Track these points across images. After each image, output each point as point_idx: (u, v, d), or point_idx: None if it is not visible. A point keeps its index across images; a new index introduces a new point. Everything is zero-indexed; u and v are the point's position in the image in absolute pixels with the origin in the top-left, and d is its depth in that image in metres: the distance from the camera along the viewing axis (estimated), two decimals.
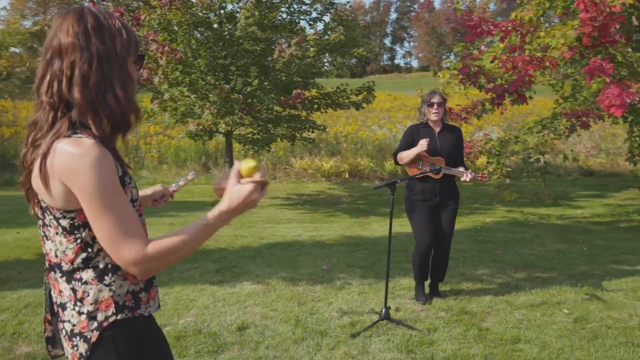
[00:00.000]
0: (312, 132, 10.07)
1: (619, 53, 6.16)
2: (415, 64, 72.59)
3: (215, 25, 9.20)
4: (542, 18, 7.36)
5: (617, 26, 5.77)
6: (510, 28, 6.42)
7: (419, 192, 4.25)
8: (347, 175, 14.15)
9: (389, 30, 73.14)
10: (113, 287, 1.44)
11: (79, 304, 1.44)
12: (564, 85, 8.01)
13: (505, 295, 4.53)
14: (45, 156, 1.34)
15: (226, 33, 8.71)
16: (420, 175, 4.12)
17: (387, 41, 73.94)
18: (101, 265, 1.43)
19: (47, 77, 1.39)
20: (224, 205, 1.37)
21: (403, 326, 3.80)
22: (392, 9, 74.53)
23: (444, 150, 4.21)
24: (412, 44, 71.24)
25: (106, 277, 1.43)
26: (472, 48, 8.37)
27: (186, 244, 1.35)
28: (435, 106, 4.19)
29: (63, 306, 1.48)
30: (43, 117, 1.41)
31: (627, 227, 7.66)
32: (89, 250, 1.42)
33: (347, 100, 9.59)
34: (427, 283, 4.51)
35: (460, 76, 6.62)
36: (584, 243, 6.59)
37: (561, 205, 9.64)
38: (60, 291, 1.49)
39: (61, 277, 1.47)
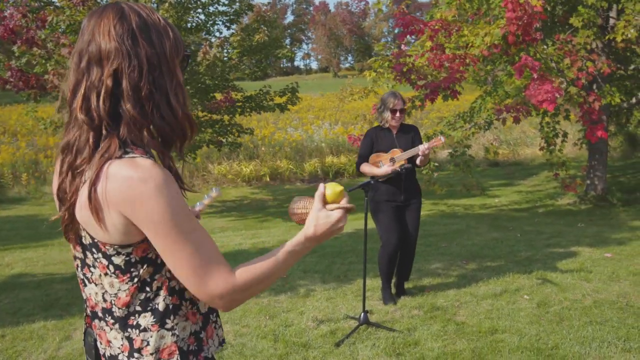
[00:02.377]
0: (239, 136, 9.78)
1: (537, 50, 6.57)
2: (315, 65, 73.78)
3: None
4: (461, 17, 7.68)
5: (538, 25, 6.14)
6: (438, 27, 6.62)
7: (383, 193, 4.21)
8: (267, 179, 13.97)
9: (286, 32, 73.62)
10: (176, 331, 1.22)
11: (136, 354, 1.21)
12: (485, 83, 8.45)
13: (467, 287, 4.64)
14: (94, 183, 1.09)
15: None
16: (391, 175, 4.07)
17: (286, 43, 74.32)
18: (161, 307, 1.20)
19: (82, 90, 1.13)
20: (309, 231, 1.22)
21: (383, 329, 3.74)
22: (289, 12, 75.21)
23: (402, 149, 4.20)
24: (310, 45, 72.38)
25: (168, 320, 1.21)
26: (393, 47, 8.57)
27: (274, 272, 1.19)
28: (397, 113, 4.16)
29: (114, 359, 1.23)
30: (81, 137, 1.15)
31: (545, 212, 8.22)
32: (147, 289, 1.19)
33: (272, 103, 9.41)
34: (392, 283, 4.49)
35: (395, 73, 6.72)
36: (514, 230, 6.96)
37: (479, 196, 10.16)
38: (109, 341, 1.23)
39: (113, 324, 1.22)
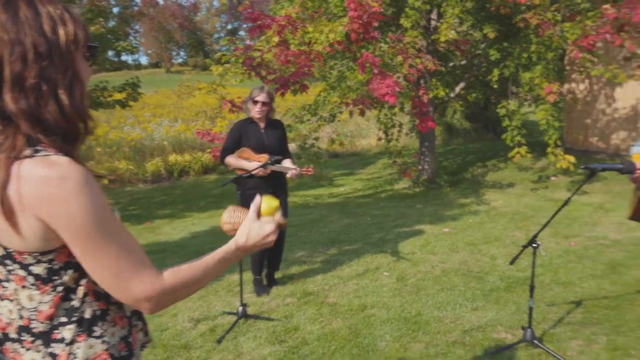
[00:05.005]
0: None
1: (375, 48, 7.11)
2: (144, 60, 69.93)
3: None
4: (304, 15, 7.97)
5: (377, 24, 6.65)
6: (285, 23, 6.80)
7: (252, 187, 4.23)
8: (106, 182, 12.98)
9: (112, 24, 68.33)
10: (106, 338, 1.16)
11: None
12: (331, 76, 8.87)
13: (333, 271, 4.89)
14: (4, 186, 0.98)
15: None
16: (257, 172, 4.08)
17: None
18: (87, 315, 1.14)
19: None
20: (241, 240, 1.26)
21: (262, 319, 3.79)
22: (112, 2, 69.81)
23: (271, 146, 4.25)
24: (138, 39, 68.30)
25: (96, 328, 1.15)
26: (238, 42, 8.57)
27: (202, 278, 1.19)
28: (259, 105, 4.20)
29: None
30: None
31: (387, 197, 8.95)
32: (72, 297, 1.12)
33: (111, 99, 8.79)
34: (263, 274, 4.55)
35: (244, 68, 6.74)
36: (364, 215, 7.48)
37: (325, 186, 10.68)
38: None
39: (32, 342, 1.11)
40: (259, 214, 1.30)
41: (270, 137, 4.28)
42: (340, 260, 5.21)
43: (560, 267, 4.75)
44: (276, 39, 6.98)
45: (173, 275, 1.12)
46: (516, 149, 7.22)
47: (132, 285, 1.06)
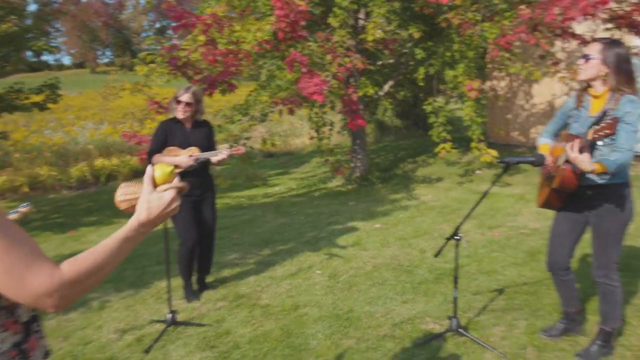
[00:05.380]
0: None
1: (303, 47, 7.12)
2: (67, 60, 66.55)
3: None
4: (231, 13, 7.85)
5: (304, 23, 6.65)
6: (210, 21, 6.67)
7: None
8: (26, 189, 12.25)
9: (28, 22, 64.48)
10: None
11: None
12: (261, 75, 8.79)
13: (265, 272, 4.85)
14: None
15: None
16: (190, 168, 3.96)
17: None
18: None
19: None
20: (142, 215, 1.20)
21: (192, 325, 3.69)
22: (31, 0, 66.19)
23: (197, 146, 4.15)
24: (60, 39, 64.87)
25: None
26: (164, 41, 8.33)
27: (107, 262, 1.12)
28: (182, 105, 4.09)
29: None
30: None
31: (321, 195, 9.00)
32: None
33: (27, 102, 8.29)
34: (193, 279, 4.44)
35: (169, 68, 6.56)
36: (298, 214, 7.48)
37: (260, 186, 10.60)
38: None
39: None
40: (155, 185, 1.24)
41: (197, 136, 4.18)
42: (273, 261, 5.18)
43: (484, 256, 4.94)
44: (202, 38, 6.83)
45: (72, 265, 1.05)
46: (442, 145, 7.46)
47: (27, 281, 0.99)
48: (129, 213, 1.26)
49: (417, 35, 7.73)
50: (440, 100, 8.48)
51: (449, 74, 7.35)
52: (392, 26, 9.92)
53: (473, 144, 7.37)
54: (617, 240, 2.87)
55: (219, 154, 4.00)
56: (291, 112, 7.03)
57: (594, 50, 2.77)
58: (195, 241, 4.18)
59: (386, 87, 9.49)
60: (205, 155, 4.01)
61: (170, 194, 1.22)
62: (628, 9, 6.44)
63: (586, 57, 2.78)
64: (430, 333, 3.43)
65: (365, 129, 17.18)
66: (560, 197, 2.96)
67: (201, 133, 4.20)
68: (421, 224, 6.31)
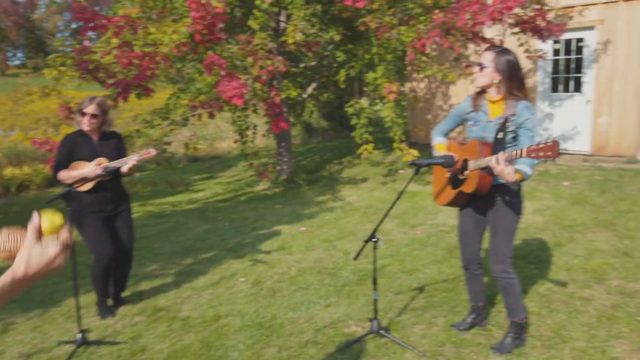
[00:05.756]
0: None
1: (222, 49, 6.98)
2: None
3: None
4: (146, 15, 7.57)
5: (222, 25, 6.51)
6: (122, 23, 6.39)
7: (88, 204, 3.88)
8: None
9: None
10: None
11: None
12: (181, 78, 8.53)
13: (187, 282, 4.69)
14: None
15: None
16: (100, 178, 3.74)
17: None
18: None
19: None
20: (19, 272, 1.07)
21: (105, 344, 3.50)
22: None
23: (106, 157, 3.93)
24: None
25: None
26: (75, 43, 7.90)
27: None
28: (87, 117, 3.85)
29: None
30: None
31: (247, 199, 8.87)
32: None
33: None
34: (109, 295, 4.21)
35: (80, 71, 6.22)
36: (222, 220, 7.32)
37: (184, 192, 10.32)
38: None
39: None
40: (40, 235, 1.13)
41: (105, 148, 3.95)
42: (195, 270, 5.02)
43: (406, 255, 5.05)
44: (115, 40, 6.53)
45: None
46: (364, 146, 7.57)
47: None
48: (9, 263, 1.13)
49: (337, 38, 7.80)
50: (363, 101, 8.59)
51: (369, 76, 7.47)
52: (315, 29, 9.97)
53: (395, 145, 7.53)
54: (512, 236, 3.04)
55: (129, 161, 3.81)
56: (211, 115, 6.87)
57: (487, 59, 2.91)
58: (110, 258, 3.96)
59: (309, 90, 9.52)
60: (114, 164, 3.81)
61: (54, 249, 1.09)
62: (531, 14, 6.82)
63: (480, 66, 2.91)
64: (353, 336, 3.44)
65: (292, 131, 17.20)
66: (468, 198, 3.07)
67: (110, 145, 3.98)
68: (346, 225, 6.37)
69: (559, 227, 5.60)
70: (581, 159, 9.02)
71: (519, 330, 3.15)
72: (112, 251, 3.94)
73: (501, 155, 2.65)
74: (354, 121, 7.84)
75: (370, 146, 7.55)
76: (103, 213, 3.93)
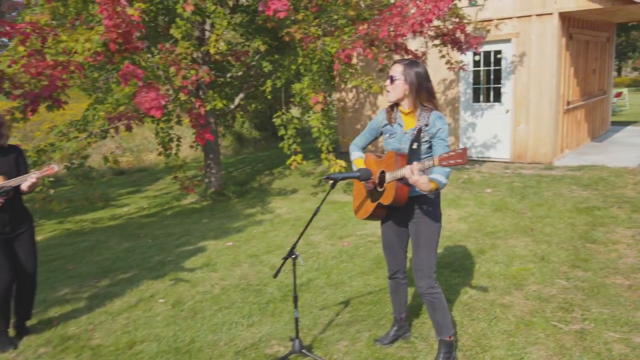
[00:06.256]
0: None
1: (141, 59, 6.69)
2: None
3: None
4: (59, 22, 7.16)
5: (138, 34, 6.24)
6: (29, 30, 5.99)
7: None
8: None
9: None
10: None
11: None
12: (95, 90, 8.11)
13: (101, 306, 4.40)
14: None
15: None
16: None
17: None
18: None
19: None
20: None
21: None
22: None
23: (4, 174, 3.61)
24: None
25: None
26: None
27: None
28: None
29: None
30: None
31: (173, 214, 8.55)
32: None
33: None
34: (10, 324, 3.86)
35: None
36: (146, 236, 6.99)
37: (107, 207, 9.82)
38: None
39: None
40: None
41: (2, 164, 3.62)
42: (111, 293, 4.72)
43: (333, 268, 4.98)
44: (21, 48, 6.10)
45: None
46: (293, 157, 7.48)
47: None
48: None
49: (262, 48, 7.70)
50: (292, 112, 8.51)
51: (296, 87, 7.42)
52: (242, 38, 9.82)
53: (323, 155, 7.50)
54: (434, 248, 3.02)
55: (28, 179, 3.51)
56: (128, 128, 6.53)
57: (397, 71, 2.91)
58: (9, 283, 3.63)
59: (237, 100, 9.34)
60: (12, 182, 3.50)
61: None
62: (451, 27, 7.02)
63: (391, 79, 2.91)
64: (275, 357, 3.31)
65: (224, 142, 16.89)
66: (387, 210, 3.04)
67: (7, 160, 3.66)
68: (274, 238, 6.24)
69: (481, 233, 5.74)
70: (503, 166, 9.38)
71: (449, 348, 3.10)
72: (10, 276, 3.61)
73: (415, 166, 2.64)
74: (281, 132, 7.74)
75: (299, 157, 7.48)
76: (1, 235, 3.60)
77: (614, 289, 4.06)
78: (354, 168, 3.17)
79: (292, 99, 8.09)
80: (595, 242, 5.18)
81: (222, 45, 7.06)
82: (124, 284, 4.97)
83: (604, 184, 7.44)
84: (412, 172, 2.64)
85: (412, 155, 2.84)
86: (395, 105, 3.01)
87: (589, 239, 5.28)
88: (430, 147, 2.90)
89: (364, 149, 3.24)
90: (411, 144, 2.82)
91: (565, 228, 5.69)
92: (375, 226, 6.38)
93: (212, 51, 7.10)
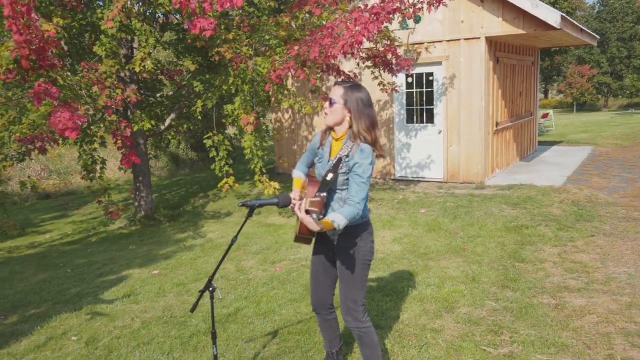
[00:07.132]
0: None
1: (59, 77, 6.32)
2: None
3: None
4: None
5: (54, 50, 5.88)
6: None
7: None
8: None
9: None
10: None
11: None
12: (9, 110, 7.57)
13: (4, 347, 3.98)
14: None
15: None
16: None
17: None
18: None
19: None
20: None
21: None
22: None
23: None
24: None
25: None
26: None
27: None
28: None
29: None
30: None
31: (99, 240, 8.07)
32: None
33: None
34: None
35: None
36: (65, 265, 6.53)
37: (28, 234, 9.18)
38: None
39: None
40: None
41: None
42: (18, 331, 4.30)
43: (264, 295, 4.78)
44: None
45: None
46: (225, 180, 7.26)
47: None
48: None
49: (192, 67, 7.48)
50: (221, 134, 8.29)
51: (228, 107, 7.23)
52: (174, 57, 9.54)
53: (256, 177, 7.32)
54: (360, 282, 2.82)
55: None
56: (42, 150, 6.08)
57: (336, 94, 2.71)
58: None
59: (168, 120, 9.02)
60: None
61: None
62: (382, 49, 7.07)
63: (330, 101, 2.74)
64: None
65: (159, 163, 16.35)
66: (309, 238, 2.88)
67: None
68: (204, 265, 5.96)
69: (415, 255, 5.71)
70: (437, 186, 9.52)
71: None
72: None
73: (304, 202, 2.50)
74: (212, 154, 7.51)
75: (230, 179, 7.26)
76: None
77: (541, 309, 4.09)
78: (293, 187, 2.99)
79: (223, 120, 7.88)
80: (523, 261, 5.26)
81: (148, 64, 6.78)
82: (34, 320, 4.56)
83: (531, 203, 7.66)
84: (299, 209, 2.49)
85: (325, 186, 2.67)
86: (330, 128, 2.85)
87: (517, 258, 5.36)
88: (348, 179, 2.69)
89: (309, 169, 3.07)
90: (325, 174, 2.67)
91: (496, 247, 5.76)
92: (309, 249, 6.24)
93: (137, 69, 6.81)
